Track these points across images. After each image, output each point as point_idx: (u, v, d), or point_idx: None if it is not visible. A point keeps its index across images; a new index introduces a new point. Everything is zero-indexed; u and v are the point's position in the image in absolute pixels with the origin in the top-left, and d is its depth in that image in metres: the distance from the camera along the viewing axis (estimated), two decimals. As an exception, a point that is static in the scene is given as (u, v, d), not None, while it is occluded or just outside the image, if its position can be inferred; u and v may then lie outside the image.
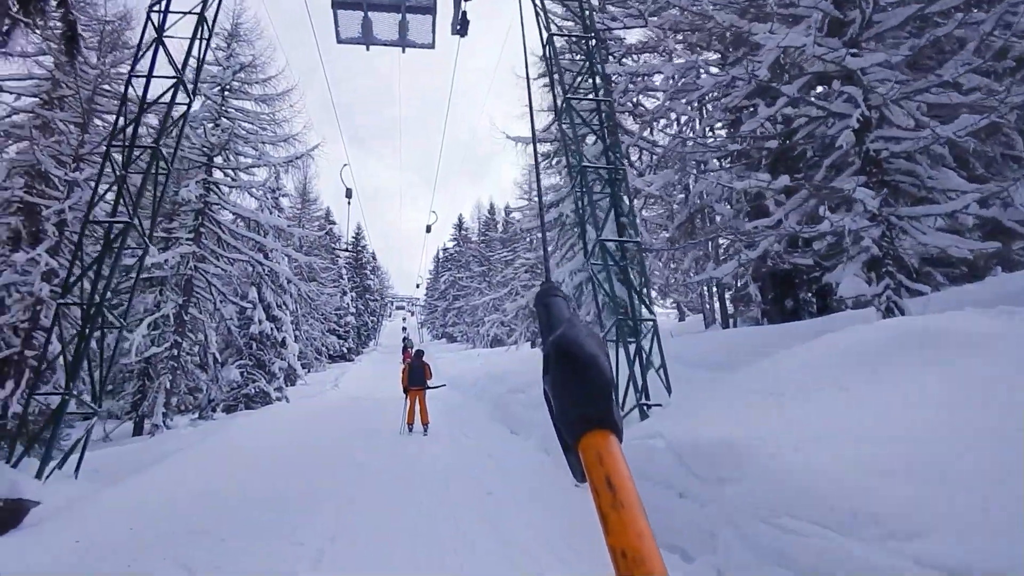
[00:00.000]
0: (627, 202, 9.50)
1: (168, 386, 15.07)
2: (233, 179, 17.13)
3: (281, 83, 18.08)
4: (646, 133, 17.07)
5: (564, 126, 9.98)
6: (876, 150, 9.00)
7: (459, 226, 61.80)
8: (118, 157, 9.00)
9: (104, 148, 9.15)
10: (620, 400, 7.59)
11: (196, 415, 18.41)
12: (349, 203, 16.00)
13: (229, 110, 17.36)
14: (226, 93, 17.36)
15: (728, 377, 6.59)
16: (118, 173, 8.81)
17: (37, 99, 15.39)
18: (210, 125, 16.85)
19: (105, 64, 16.02)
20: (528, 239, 39.79)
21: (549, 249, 30.08)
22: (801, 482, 3.64)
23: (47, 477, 7.50)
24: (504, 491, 6.98)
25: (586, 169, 9.46)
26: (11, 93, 15.32)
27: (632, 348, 8.04)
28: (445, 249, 63.98)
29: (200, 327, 16.80)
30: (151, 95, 9.26)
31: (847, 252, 8.83)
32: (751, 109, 13.64)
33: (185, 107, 9.73)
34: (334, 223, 45.63)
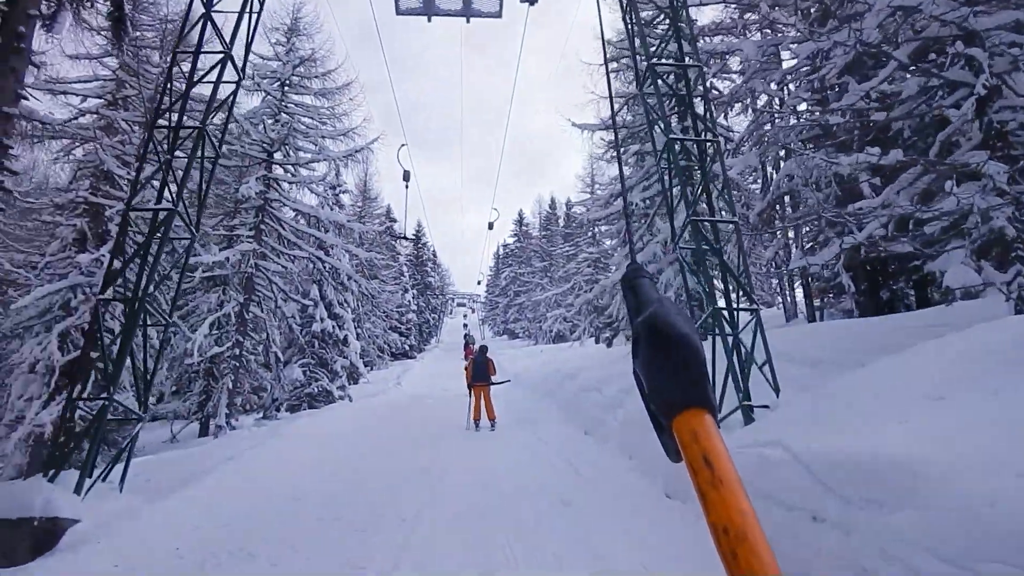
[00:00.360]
0: (723, 177, 8.53)
1: (231, 386, 14.86)
2: (293, 175, 16.81)
3: (341, 76, 17.74)
4: (720, 119, 16.02)
5: (647, 96, 9.07)
6: (1001, 121, 7.89)
7: (519, 222, 61.13)
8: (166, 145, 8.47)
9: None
10: (719, 402, 6.67)
11: (260, 415, 18.30)
12: (407, 186, 15.00)
13: (289, 105, 17.07)
14: (286, 88, 17.07)
15: (845, 376, 5.69)
16: (162, 157, 8.33)
17: (102, 100, 15.39)
18: (270, 121, 16.59)
19: (167, 63, 15.94)
20: (591, 232, 38.86)
21: (613, 242, 29.15)
22: (997, 519, 2.80)
23: (87, 491, 6.89)
24: (585, 501, 6.21)
25: (674, 142, 8.43)
26: (77, 95, 15.37)
27: (730, 342, 7.12)
28: (505, 245, 63.45)
29: (262, 326, 16.57)
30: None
31: (968, 235, 7.73)
32: (835, 89, 12.51)
33: (234, 85, 9.01)
34: (395, 220, 45.61)
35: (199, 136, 8.40)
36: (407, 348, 42.82)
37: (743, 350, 6.90)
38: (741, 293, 7.46)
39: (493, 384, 13.09)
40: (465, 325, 64.07)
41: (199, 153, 8.45)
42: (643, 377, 0.67)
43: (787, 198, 14.10)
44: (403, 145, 14.57)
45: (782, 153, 13.37)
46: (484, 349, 14.26)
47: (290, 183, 16.72)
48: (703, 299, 7.61)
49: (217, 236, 16.66)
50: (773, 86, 13.85)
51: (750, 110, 16.61)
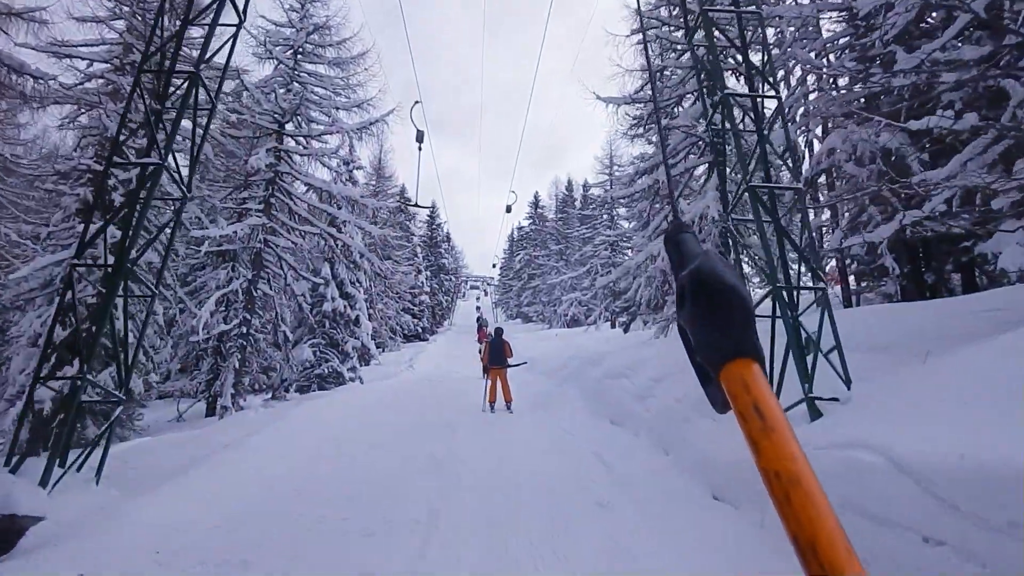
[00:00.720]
0: (785, 138, 7.69)
1: (237, 366, 14.30)
2: (305, 147, 16.15)
3: (356, 46, 16.98)
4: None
5: (696, 47, 8.27)
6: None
7: (535, 204, 60.29)
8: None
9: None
10: (777, 391, 5.87)
11: (269, 395, 17.82)
12: (420, 149, 13.59)
13: (301, 74, 16.37)
14: (299, 56, 16.37)
15: (920, 366, 5.01)
16: (150, 105, 7.46)
17: (108, 64, 14.78)
18: (282, 91, 15.92)
19: (177, 27, 15.31)
20: (609, 215, 38.08)
21: (632, 224, 28.37)
22: None
23: (55, 484, 6.05)
24: (621, 503, 5.52)
25: (729, 98, 7.49)
26: (84, 59, 14.76)
27: (787, 325, 6.27)
28: (520, 228, 62.66)
29: (271, 304, 16.02)
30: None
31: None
32: (878, 61, 11.69)
33: (233, 29, 8.04)
34: (409, 200, 44.91)
35: (192, 83, 7.45)
36: (420, 330, 42.27)
37: (807, 335, 6.05)
38: (804, 270, 6.68)
39: (509, 367, 13.08)
40: (478, 308, 63.58)
41: (191, 102, 7.56)
42: (689, 329, 0.66)
43: (823, 176, 13.27)
44: (417, 102, 13.17)
45: (818, 131, 12.44)
46: (500, 332, 14.24)
47: (302, 155, 16.06)
48: (769, 273, 6.63)
49: (227, 211, 16.10)
50: (812, 55, 13.00)
51: (783, 84, 15.77)
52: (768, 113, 8.16)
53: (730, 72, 14.93)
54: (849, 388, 5.68)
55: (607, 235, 36.61)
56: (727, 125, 7.39)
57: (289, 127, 15.87)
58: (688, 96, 14.55)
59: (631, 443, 7.87)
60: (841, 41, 12.76)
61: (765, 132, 7.16)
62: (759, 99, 7.72)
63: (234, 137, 16.38)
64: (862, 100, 11.57)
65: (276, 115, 15.39)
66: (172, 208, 8.45)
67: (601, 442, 8.13)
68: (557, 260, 48.92)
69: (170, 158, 7.34)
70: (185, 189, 7.51)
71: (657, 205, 17.70)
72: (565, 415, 10.55)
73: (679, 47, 14.69)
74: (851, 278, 13.93)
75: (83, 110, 14.79)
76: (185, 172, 7.94)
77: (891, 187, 7.45)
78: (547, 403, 12.34)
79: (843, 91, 12.16)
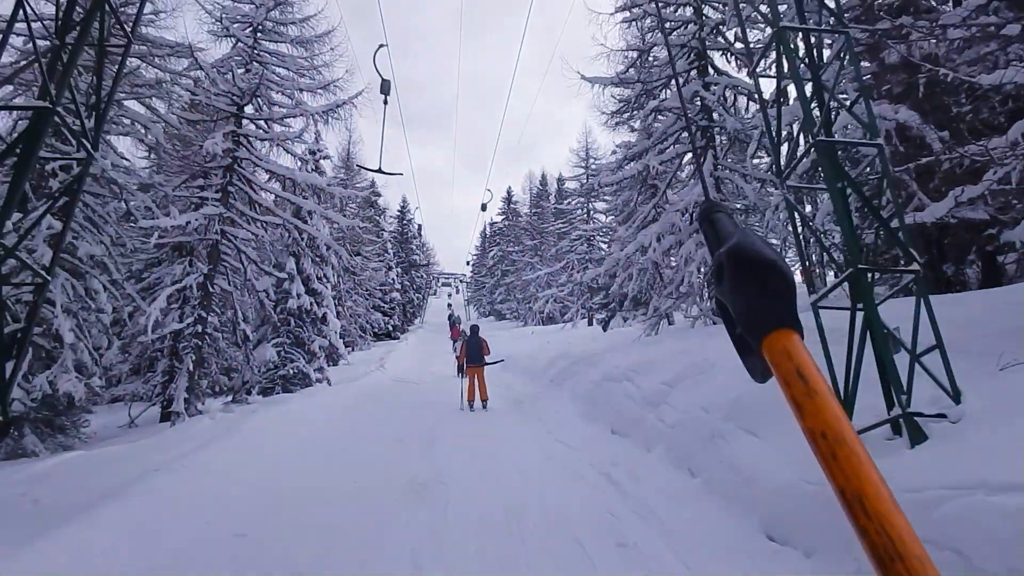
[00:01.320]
0: (858, 84, 5.70)
1: (192, 368, 13.11)
2: (266, 131, 14.99)
3: (321, 24, 15.82)
4: (742, 75, 14.40)
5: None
6: None
7: (508, 199, 59.26)
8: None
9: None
10: (850, 402, 4.59)
11: (230, 398, 16.64)
12: (386, 103, 11.43)
13: (262, 54, 15.14)
14: (258, 34, 15.16)
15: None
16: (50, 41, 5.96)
17: (48, 43, 13.46)
18: (240, 71, 14.72)
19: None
20: (585, 209, 37.25)
21: (609, 219, 27.58)
22: None
23: None
24: (648, 542, 4.42)
25: (786, 32, 5.69)
26: (21, 35, 13.43)
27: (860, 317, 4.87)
28: (493, 223, 61.53)
29: (231, 301, 14.84)
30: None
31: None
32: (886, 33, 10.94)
33: None
34: (379, 195, 43.64)
35: (96, 6, 6.06)
36: (391, 328, 41.03)
37: (883, 329, 4.72)
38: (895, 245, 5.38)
39: (487, 364, 13.08)
40: (449, 305, 62.46)
41: (92, 33, 6.33)
42: (730, 303, 0.68)
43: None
44: (382, 46, 11.16)
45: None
46: (476, 329, 14.07)
47: (262, 140, 14.87)
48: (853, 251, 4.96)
49: (183, 201, 14.88)
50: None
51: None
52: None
53: (720, 53, 14.14)
54: (959, 401, 4.40)
55: (584, 230, 35.78)
56: (785, 67, 5.91)
57: (248, 110, 14.68)
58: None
59: (642, 459, 6.68)
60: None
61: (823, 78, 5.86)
62: (819, 35, 6.23)
63: (189, 121, 15.16)
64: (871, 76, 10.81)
65: (234, 97, 14.20)
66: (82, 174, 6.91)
67: (606, 457, 6.95)
68: (532, 256, 47.97)
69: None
70: (88, 145, 5.93)
71: (641, 196, 16.88)
72: (558, 423, 9.38)
73: (669, 24, 13.82)
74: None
75: (19, 91, 13.51)
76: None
77: (952, 156, 6.62)
78: (536, 409, 11.22)
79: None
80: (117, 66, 6.59)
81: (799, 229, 6.19)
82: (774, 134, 6.21)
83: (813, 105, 5.69)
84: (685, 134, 13.83)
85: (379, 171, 11.43)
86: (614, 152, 19.43)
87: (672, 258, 13.65)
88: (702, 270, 11.89)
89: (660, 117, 15.12)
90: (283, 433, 8.65)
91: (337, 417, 10.87)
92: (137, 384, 18.06)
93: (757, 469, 4.74)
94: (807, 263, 6.66)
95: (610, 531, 4.72)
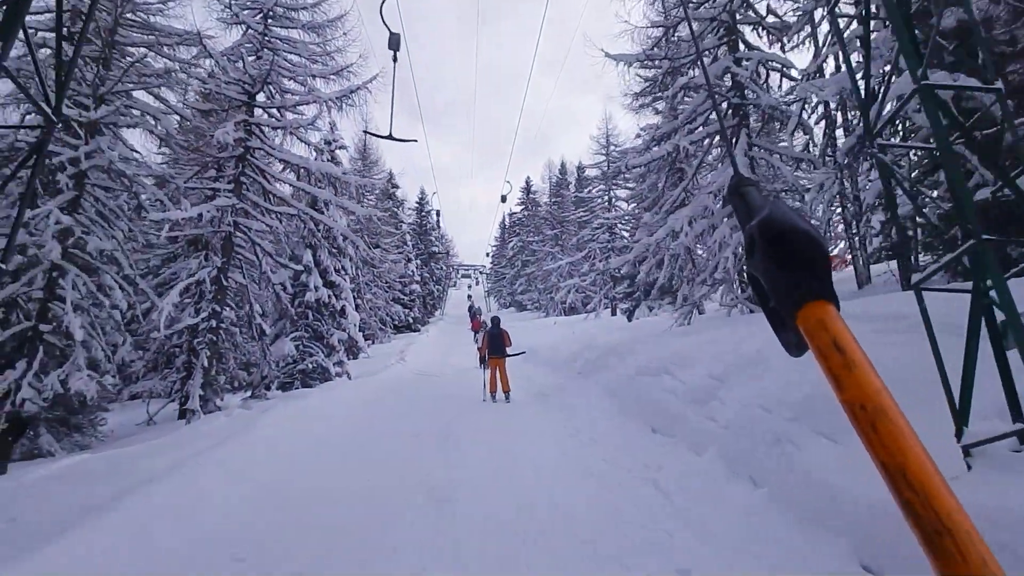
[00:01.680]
0: (970, 20, 4.61)
1: (206, 364, 12.76)
2: (278, 119, 14.56)
3: (333, 8, 15.39)
4: (775, 49, 13.72)
5: None
6: None
7: (527, 189, 58.62)
8: None
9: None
10: (966, 409, 3.69)
11: (249, 394, 16.35)
12: (395, 60, 10.33)
13: (272, 40, 14.71)
14: (269, 20, 14.73)
15: None
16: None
17: (55, 33, 13.13)
18: (251, 58, 14.29)
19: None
20: (607, 196, 36.58)
21: (631, 206, 26.97)
22: None
23: None
24: (717, 567, 3.72)
25: None
26: (31, 29, 13.11)
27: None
28: (512, 214, 60.89)
29: (245, 295, 14.49)
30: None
31: None
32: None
33: None
34: (397, 187, 43.26)
35: None
36: (411, 320, 40.71)
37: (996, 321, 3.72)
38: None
39: (508, 356, 13.00)
40: (470, 296, 62.14)
41: None
42: (763, 276, 0.66)
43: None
44: None
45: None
46: (497, 321, 13.95)
47: (275, 128, 14.44)
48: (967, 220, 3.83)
49: (196, 194, 14.55)
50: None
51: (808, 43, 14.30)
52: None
53: (751, 27, 13.46)
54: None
55: (605, 218, 35.10)
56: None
57: (260, 98, 14.26)
58: (706, 53, 12.99)
59: (692, 464, 5.79)
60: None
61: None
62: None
63: (201, 112, 14.80)
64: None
65: (245, 85, 13.78)
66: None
67: (648, 461, 6.15)
68: (552, 246, 47.33)
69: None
70: (48, 110, 5.31)
71: (668, 180, 16.27)
72: (589, 420, 8.61)
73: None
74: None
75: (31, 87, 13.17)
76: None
77: None
78: (563, 403, 10.47)
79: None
80: (83, 21, 5.96)
81: (893, 194, 5.04)
82: (860, 88, 5.28)
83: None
84: (715, 113, 13.20)
85: (390, 138, 10.80)
86: (638, 136, 18.81)
87: (705, 243, 13.03)
88: (738, 253, 11.26)
89: (688, 97, 14.50)
90: (297, 431, 8.08)
91: (354, 412, 10.39)
92: (155, 381, 17.87)
93: (841, 482, 3.92)
94: (909, 235, 5.82)
95: (668, 555, 4.00)
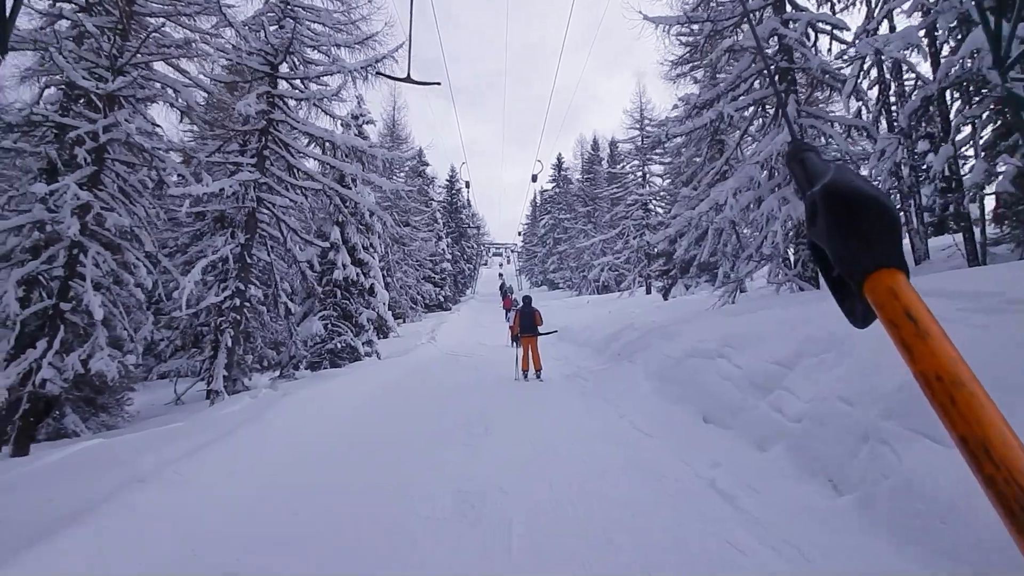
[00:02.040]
0: None
1: (230, 343, 12.42)
2: (302, 90, 14.05)
3: (357, -27, 14.71)
4: (824, 8, 12.77)
5: None
6: None
7: (559, 166, 57.68)
8: None
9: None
10: None
11: (277, 373, 16.09)
12: None
13: (295, 8, 14.18)
14: (291, -13, 14.20)
15: None
16: None
17: (72, 4, 12.76)
18: (272, 27, 13.77)
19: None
20: (640, 172, 35.61)
21: (665, 182, 26.19)
22: None
23: None
24: None
25: None
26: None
27: None
28: (543, 191, 60.06)
29: (271, 273, 14.11)
30: None
31: None
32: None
33: None
34: (427, 164, 42.73)
35: None
36: (442, 299, 40.39)
37: None
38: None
39: (540, 335, 12.91)
40: (501, 275, 61.82)
41: None
42: (826, 244, 0.64)
43: (949, 93, 10.51)
44: None
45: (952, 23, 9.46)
46: (529, 300, 13.83)
47: (298, 100, 13.93)
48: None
49: (219, 169, 14.17)
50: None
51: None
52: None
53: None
54: None
55: (639, 194, 34.18)
56: None
57: (283, 68, 13.75)
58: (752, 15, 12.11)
59: (755, 461, 5.04)
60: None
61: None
62: None
63: (224, 84, 14.37)
64: None
65: (267, 55, 13.28)
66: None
67: (703, 455, 5.44)
68: (585, 223, 46.56)
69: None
70: None
71: (709, 151, 15.48)
72: (633, 406, 7.85)
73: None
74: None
75: (48, 60, 12.83)
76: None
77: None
78: (602, 387, 9.73)
79: None
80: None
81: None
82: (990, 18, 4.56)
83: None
84: (760, 80, 12.34)
85: (408, 80, 10.02)
86: (675, 107, 18.00)
87: (750, 217, 12.26)
88: (787, 227, 10.48)
89: (731, 63, 13.64)
90: (315, 417, 7.43)
91: (378, 400, 9.83)
92: (183, 360, 17.75)
93: (956, 495, 3.14)
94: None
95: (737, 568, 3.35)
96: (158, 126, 13.33)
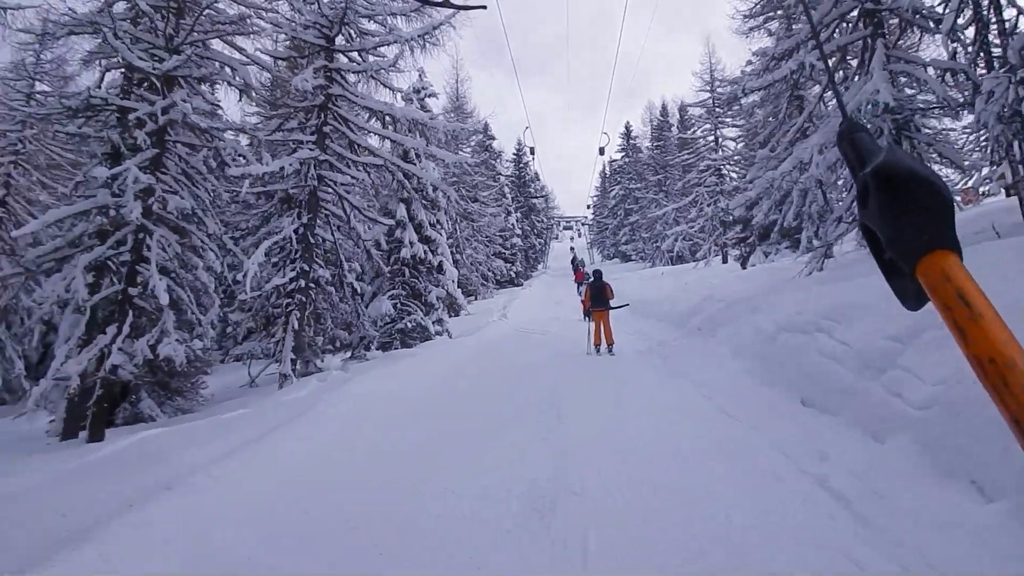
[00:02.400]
0: None
1: (296, 326, 12.19)
2: (360, 63, 13.58)
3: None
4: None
5: None
6: None
7: (627, 135, 55.96)
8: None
9: None
10: None
11: (349, 354, 15.95)
12: None
13: (349, -24, 13.69)
14: (344, -45, 13.68)
15: None
16: None
17: (127, -15, 12.60)
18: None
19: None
20: (712, 136, 33.91)
21: (738, 145, 24.65)
22: None
23: None
24: None
25: None
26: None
27: None
28: (612, 161, 58.48)
29: (334, 252, 13.83)
30: None
31: None
32: None
33: None
34: (494, 138, 42.03)
35: None
36: (513, 275, 39.91)
37: None
38: None
39: (611, 309, 12.76)
40: (572, 248, 60.90)
41: None
42: (879, 226, 0.63)
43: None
44: None
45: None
46: (599, 274, 13.57)
47: (356, 72, 13.47)
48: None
49: (280, 148, 13.94)
50: None
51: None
52: None
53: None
54: None
55: (712, 159, 32.59)
56: None
57: (339, 41, 13.29)
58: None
59: (871, 454, 4.18)
60: None
61: None
62: None
63: (281, 59, 14.04)
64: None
65: (322, 27, 12.84)
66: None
67: (804, 446, 4.63)
68: (656, 192, 45.00)
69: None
70: None
71: (788, 107, 14.28)
72: (718, 386, 7.00)
73: None
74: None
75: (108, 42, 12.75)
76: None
77: None
78: (681, 364, 8.90)
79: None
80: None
81: None
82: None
83: None
84: (839, 28, 11.10)
85: (448, 4, 9.08)
86: (749, 63, 16.75)
87: (836, 176, 11.12)
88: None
89: (812, 8, 12.38)
90: (380, 399, 7.01)
91: (445, 384, 9.23)
92: (255, 343, 17.80)
93: None
94: None
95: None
96: (218, 106, 13.15)
